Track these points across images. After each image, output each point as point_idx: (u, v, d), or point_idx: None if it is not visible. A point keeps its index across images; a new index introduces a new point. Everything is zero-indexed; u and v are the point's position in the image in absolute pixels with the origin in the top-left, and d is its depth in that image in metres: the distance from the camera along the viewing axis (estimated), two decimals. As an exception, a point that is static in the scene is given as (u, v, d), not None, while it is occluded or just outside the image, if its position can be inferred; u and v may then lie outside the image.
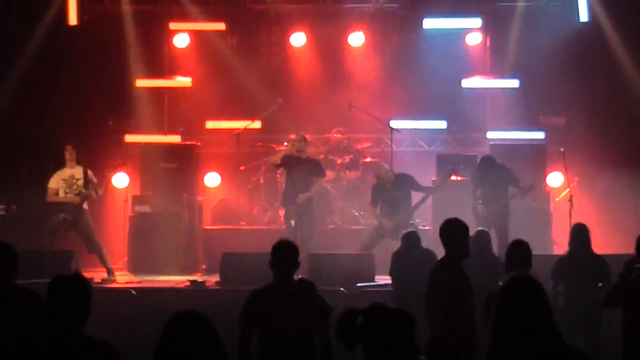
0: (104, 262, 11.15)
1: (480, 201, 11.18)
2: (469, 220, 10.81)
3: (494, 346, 3.86)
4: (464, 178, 12.18)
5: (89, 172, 11.20)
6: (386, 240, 11.21)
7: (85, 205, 11.12)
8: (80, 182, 11.09)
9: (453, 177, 11.80)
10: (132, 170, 13.21)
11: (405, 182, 11.45)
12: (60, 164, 11.18)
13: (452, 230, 6.58)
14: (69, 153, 11.16)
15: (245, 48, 14.75)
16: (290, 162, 11.78)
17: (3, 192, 13.18)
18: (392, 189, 11.36)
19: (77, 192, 11.05)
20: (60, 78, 13.89)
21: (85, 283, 4.22)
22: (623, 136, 13.66)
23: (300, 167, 11.66)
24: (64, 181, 11.10)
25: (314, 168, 11.77)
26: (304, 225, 11.51)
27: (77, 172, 11.15)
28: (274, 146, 13.44)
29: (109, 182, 11.42)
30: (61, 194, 11.07)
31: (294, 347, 6.00)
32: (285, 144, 13.09)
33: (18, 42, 13.83)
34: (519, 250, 6.76)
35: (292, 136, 12.22)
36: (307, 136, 12.21)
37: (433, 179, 12.45)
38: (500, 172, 11.25)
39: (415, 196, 11.49)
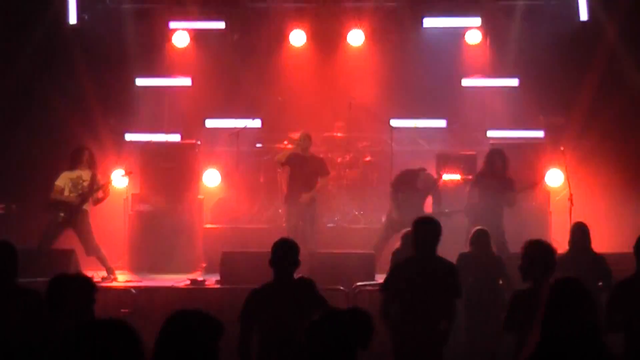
0: (103, 263, 11.14)
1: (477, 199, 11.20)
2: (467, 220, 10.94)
3: (540, 346, 3.85)
4: (464, 177, 12.21)
5: (97, 178, 11.20)
6: (382, 237, 11.26)
7: (86, 207, 11.10)
8: (86, 184, 11.07)
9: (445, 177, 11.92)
10: (132, 169, 13.20)
11: (430, 183, 11.49)
12: (75, 165, 11.17)
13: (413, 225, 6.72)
14: (86, 157, 11.19)
15: (245, 47, 14.74)
16: (295, 161, 11.82)
17: (3, 191, 13.18)
18: (418, 189, 11.43)
19: (80, 192, 11.03)
20: (60, 77, 13.88)
21: (88, 282, 4.23)
22: (623, 135, 13.66)
23: (305, 166, 11.71)
24: (70, 180, 11.08)
25: (319, 167, 11.82)
26: (305, 224, 11.54)
27: (86, 174, 11.14)
28: (276, 146, 13.45)
29: (107, 191, 11.37)
30: (65, 192, 11.05)
31: (294, 346, 6.01)
32: (286, 142, 13.12)
33: (18, 40, 13.83)
34: (548, 252, 6.68)
35: (296, 135, 12.23)
36: (310, 134, 12.22)
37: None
38: (502, 176, 11.24)
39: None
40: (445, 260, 7.01)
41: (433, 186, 11.56)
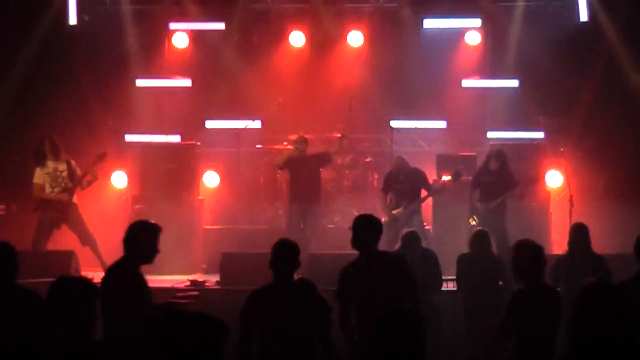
0: (98, 256, 11.12)
1: (478, 200, 11.20)
2: (467, 221, 10.95)
3: (571, 352, 3.83)
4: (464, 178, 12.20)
5: (73, 163, 11.12)
6: (385, 241, 11.23)
7: (74, 199, 11.08)
8: (65, 174, 11.02)
9: (444, 178, 11.91)
10: (132, 170, 13.21)
11: (416, 177, 11.54)
12: (42, 158, 11.11)
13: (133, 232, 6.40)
14: (48, 146, 11.08)
15: (245, 47, 14.74)
16: (294, 163, 11.86)
17: (3, 191, 13.17)
18: (403, 181, 11.44)
19: (62, 185, 11.00)
20: (60, 78, 13.89)
21: (90, 285, 4.23)
22: (623, 135, 13.66)
23: (304, 166, 11.75)
24: (48, 175, 11.02)
25: (319, 159, 11.87)
26: (307, 225, 11.55)
27: (60, 164, 11.06)
28: (275, 147, 13.45)
29: (97, 173, 11.31)
30: (47, 189, 11.01)
31: (294, 347, 6.00)
32: (285, 143, 13.12)
33: (18, 41, 13.83)
34: (539, 252, 6.65)
35: (293, 136, 12.24)
36: (307, 136, 12.26)
37: (434, 178, 12.46)
38: (501, 173, 11.23)
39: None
40: (391, 254, 6.97)
41: (408, 169, 11.59)
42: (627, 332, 3.77)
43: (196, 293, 6.97)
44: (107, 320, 5.84)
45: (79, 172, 11.08)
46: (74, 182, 11.00)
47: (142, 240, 6.16)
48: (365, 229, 6.68)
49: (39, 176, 11.02)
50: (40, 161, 11.06)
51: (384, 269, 6.57)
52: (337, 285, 6.75)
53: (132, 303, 5.80)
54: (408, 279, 6.66)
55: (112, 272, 6.13)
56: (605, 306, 3.81)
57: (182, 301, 6.30)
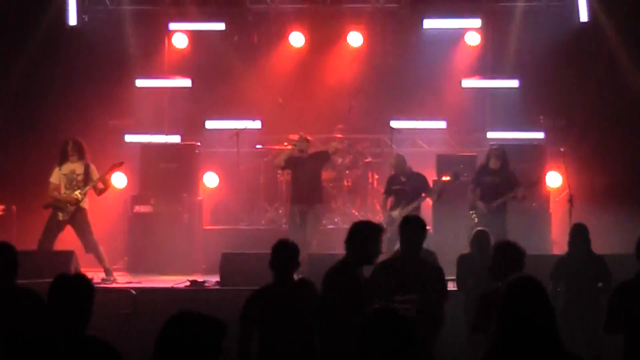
0: (101, 262, 11.13)
1: (479, 200, 11.19)
2: (467, 221, 10.94)
3: (496, 344, 3.89)
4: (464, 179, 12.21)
5: (91, 167, 11.15)
6: (384, 242, 11.23)
7: (84, 205, 11.09)
8: (81, 178, 11.04)
9: (444, 178, 11.90)
10: (132, 170, 13.21)
11: (417, 180, 11.54)
12: (63, 159, 11.16)
13: (359, 231, 6.28)
14: (70, 147, 11.14)
15: (245, 48, 14.75)
16: (295, 163, 11.84)
17: (3, 192, 13.18)
18: (404, 182, 11.45)
19: (76, 188, 11.02)
20: (60, 78, 13.89)
21: (88, 283, 4.23)
22: (623, 135, 13.66)
23: (305, 166, 11.74)
24: (64, 176, 11.06)
25: (318, 159, 11.87)
26: (307, 226, 11.55)
27: (79, 167, 11.09)
28: (275, 147, 13.45)
29: (108, 182, 11.37)
30: (62, 189, 11.04)
31: (294, 347, 6.01)
32: (285, 143, 13.12)
33: (18, 41, 13.83)
34: (519, 253, 6.67)
35: (294, 136, 12.25)
36: (308, 136, 12.25)
37: (434, 179, 12.47)
38: (503, 173, 11.23)
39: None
40: (429, 262, 6.94)
41: (409, 171, 11.59)
42: (550, 325, 3.85)
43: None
44: (326, 323, 5.83)
45: (95, 177, 11.07)
46: (86, 185, 11.00)
47: (369, 240, 6.09)
48: (412, 229, 6.64)
49: (56, 176, 11.07)
50: (61, 161, 11.10)
51: (425, 274, 6.49)
52: (369, 278, 6.50)
53: (353, 307, 5.58)
54: (443, 290, 6.62)
55: (336, 273, 6.03)
56: (529, 300, 3.88)
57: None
